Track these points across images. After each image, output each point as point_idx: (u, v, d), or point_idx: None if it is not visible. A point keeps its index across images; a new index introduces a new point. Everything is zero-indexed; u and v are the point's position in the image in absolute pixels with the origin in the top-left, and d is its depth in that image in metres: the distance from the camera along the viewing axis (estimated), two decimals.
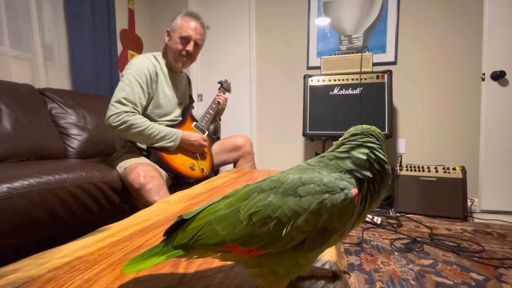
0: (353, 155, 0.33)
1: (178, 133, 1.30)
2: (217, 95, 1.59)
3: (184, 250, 0.33)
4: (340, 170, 0.32)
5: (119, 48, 2.60)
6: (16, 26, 1.77)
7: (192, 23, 1.31)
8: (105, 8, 2.30)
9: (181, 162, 1.32)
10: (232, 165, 1.66)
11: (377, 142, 0.34)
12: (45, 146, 1.49)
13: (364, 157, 0.32)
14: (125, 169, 1.20)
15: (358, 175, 0.31)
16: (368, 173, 0.31)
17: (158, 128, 1.25)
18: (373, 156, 0.32)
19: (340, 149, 0.34)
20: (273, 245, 0.29)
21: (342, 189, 0.29)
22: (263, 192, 0.31)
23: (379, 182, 0.32)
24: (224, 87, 1.67)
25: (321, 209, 0.28)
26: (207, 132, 1.49)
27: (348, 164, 0.32)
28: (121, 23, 2.63)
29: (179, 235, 0.34)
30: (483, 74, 1.95)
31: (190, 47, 1.32)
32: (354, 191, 0.29)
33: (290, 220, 0.28)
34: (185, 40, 1.31)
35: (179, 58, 1.34)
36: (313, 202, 0.28)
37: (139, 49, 2.87)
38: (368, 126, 0.36)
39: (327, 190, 0.29)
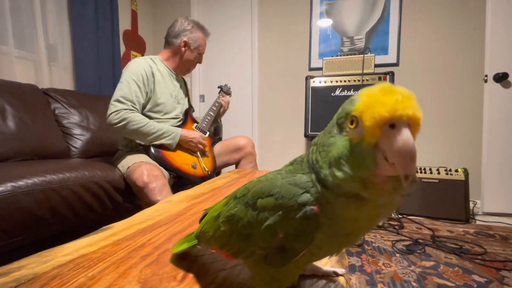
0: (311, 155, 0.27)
1: (177, 131, 1.32)
2: (220, 98, 1.62)
3: (198, 241, 0.36)
4: (303, 172, 0.27)
5: (122, 49, 2.61)
6: (20, 27, 1.78)
7: (206, 41, 1.51)
8: (108, 9, 2.31)
9: (182, 161, 1.33)
10: (234, 166, 1.66)
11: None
12: (49, 145, 1.50)
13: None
14: (128, 168, 1.21)
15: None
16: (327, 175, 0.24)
17: (157, 126, 1.27)
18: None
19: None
20: (240, 254, 0.29)
21: (302, 205, 0.24)
22: (235, 199, 0.31)
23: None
24: (224, 91, 1.68)
25: (275, 227, 0.25)
26: (208, 133, 1.50)
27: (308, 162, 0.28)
28: (124, 24, 2.65)
29: (198, 226, 0.36)
30: (486, 75, 1.95)
31: (201, 60, 1.53)
32: (317, 208, 0.25)
33: (249, 234, 0.28)
34: (201, 55, 1.51)
35: (192, 68, 1.54)
36: (268, 218, 0.26)
37: (142, 50, 2.89)
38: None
39: (284, 204, 0.25)
